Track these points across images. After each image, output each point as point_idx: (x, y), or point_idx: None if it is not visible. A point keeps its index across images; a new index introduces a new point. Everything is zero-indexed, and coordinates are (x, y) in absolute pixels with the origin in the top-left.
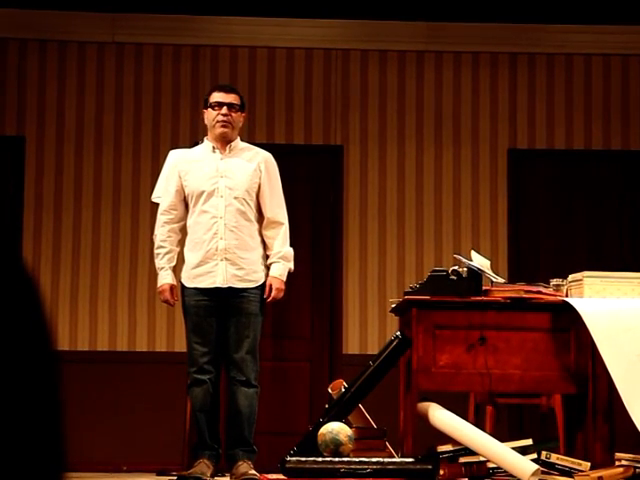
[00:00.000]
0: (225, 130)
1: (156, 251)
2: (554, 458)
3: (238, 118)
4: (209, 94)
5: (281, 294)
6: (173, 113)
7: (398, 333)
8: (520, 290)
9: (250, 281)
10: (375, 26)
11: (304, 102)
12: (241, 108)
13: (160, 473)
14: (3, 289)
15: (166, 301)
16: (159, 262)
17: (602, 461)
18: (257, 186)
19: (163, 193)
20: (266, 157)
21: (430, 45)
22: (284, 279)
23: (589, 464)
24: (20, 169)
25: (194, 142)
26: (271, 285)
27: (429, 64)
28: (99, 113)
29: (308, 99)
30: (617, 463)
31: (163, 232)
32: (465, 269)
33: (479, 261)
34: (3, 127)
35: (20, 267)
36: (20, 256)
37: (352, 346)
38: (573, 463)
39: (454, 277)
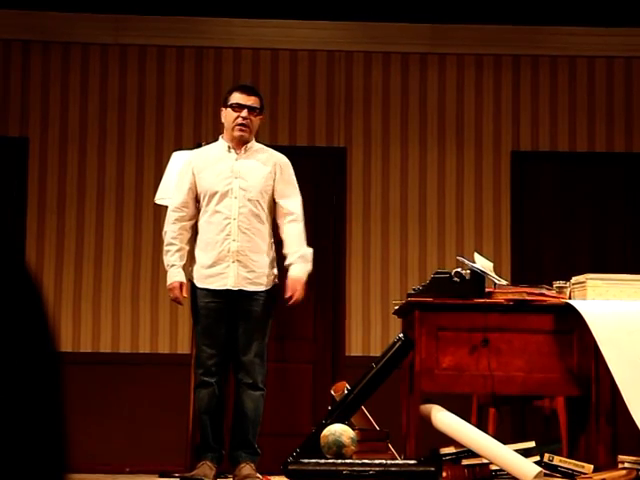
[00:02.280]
0: (243, 134)
1: (166, 248)
2: (557, 460)
3: (257, 121)
4: (230, 93)
5: (302, 295)
6: (176, 115)
7: (401, 335)
8: (523, 292)
9: (260, 284)
10: (378, 28)
11: (307, 104)
12: (261, 111)
13: (163, 475)
14: (5, 290)
15: (175, 299)
16: (169, 259)
17: (605, 463)
18: (271, 188)
19: (175, 190)
20: (281, 160)
21: (433, 47)
22: (305, 280)
23: (592, 466)
24: (23, 170)
25: (197, 143)
26: (294, 286)
27: (432, 66)
28: (102, 114)
29: (311, 101)
30: (620, 465)
31: (174, 229)
32: (468, 271)
33: (482, 263)
34: (6, 128)
35: (23, 268)
36: (23, 258)
37: (355, 348)
38: (576, 465)
39: (457, 279)
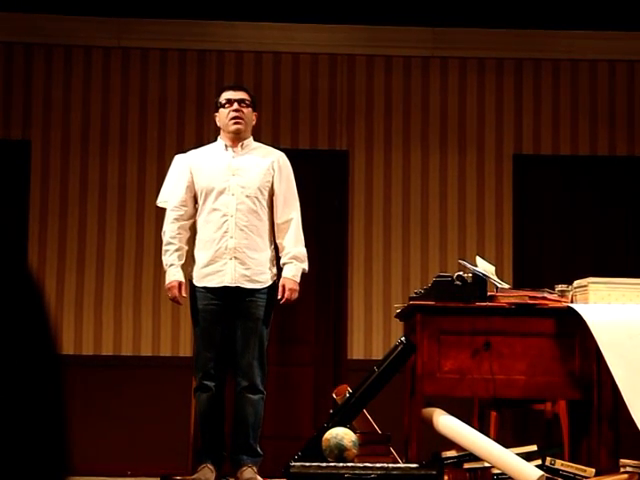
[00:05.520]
0: (239, 127)
1: (165, 247)
2: (559, 464)
3: (250, 114)
4: (219, 95)
5: (295, 295)
6: (178, 118)
7: (403, 338)
8: (525, 296)
9: (258, 282)
10: (381, 31)
11: (309, 107)
12: (252, 105)
13: (164, 478)
14: (8, 293)
15: (174, 298)
16: (168, 259)
17: (607, 467)
18: (269, 185)
19: (173, 189)
20: (279, 156)
21: (436, 50)
22: (297, 280)
23: (594, 470)
24: (26, 173)
25: (199, 146)
26: (284, 286)
27: (434, 69)
28: (105, 118)
29: (313, 104)
30: (622, 469)
31: (173, 229)
32: (470, 275)
33: (484, 267)
34: (9, 131)
35: (25, 271)
36: (25, 260)
37: (357, 351)
38: (578, 469)
39: (459, 283)
